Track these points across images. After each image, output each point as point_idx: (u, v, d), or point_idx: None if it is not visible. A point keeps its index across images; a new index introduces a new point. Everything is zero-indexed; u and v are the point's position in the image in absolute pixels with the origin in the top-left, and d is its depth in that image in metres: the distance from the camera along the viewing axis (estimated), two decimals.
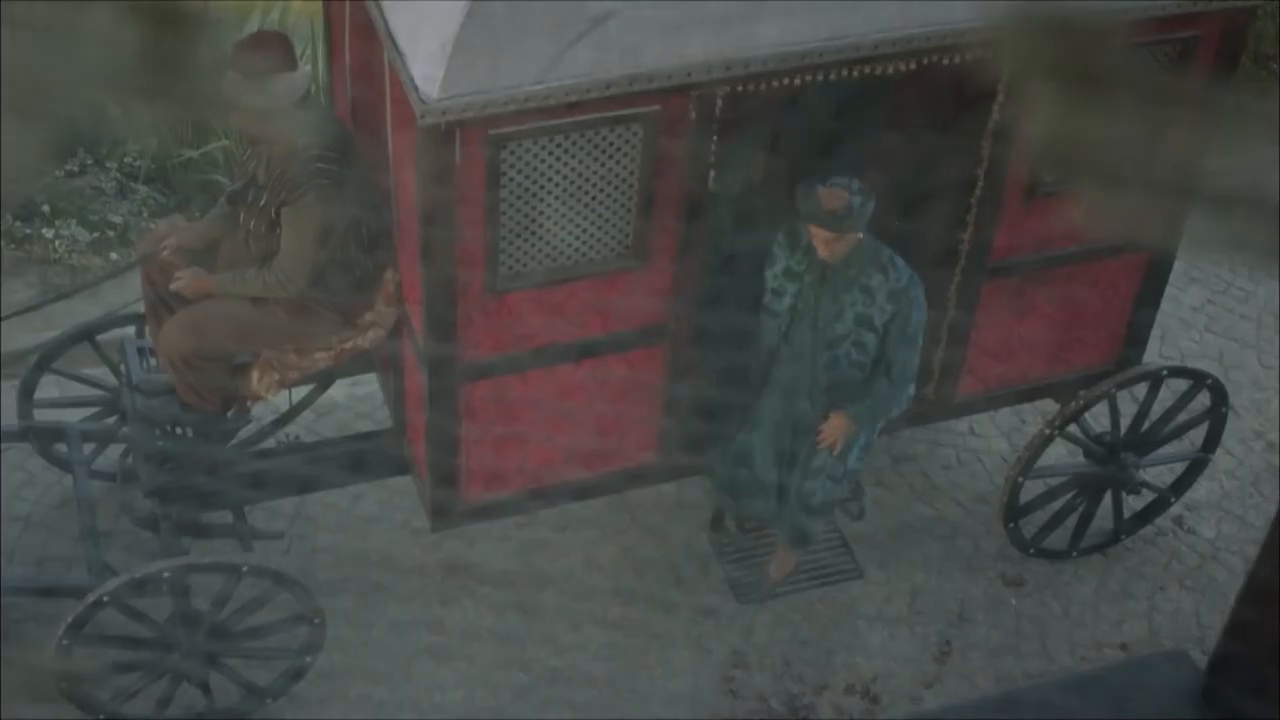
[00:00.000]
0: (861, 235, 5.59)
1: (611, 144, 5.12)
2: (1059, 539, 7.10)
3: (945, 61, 5.23)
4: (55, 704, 6.08)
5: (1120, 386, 6.65)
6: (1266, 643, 5.16)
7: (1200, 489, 7.36)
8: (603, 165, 5.17)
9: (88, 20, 1.57)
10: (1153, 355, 7.38)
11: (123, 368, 6.37)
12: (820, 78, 5.17)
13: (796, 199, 5.53)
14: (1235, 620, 5.71)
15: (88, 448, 6.64)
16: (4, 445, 6.90)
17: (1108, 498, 7.04)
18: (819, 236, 5.54)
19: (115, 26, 1.57)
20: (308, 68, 5.96)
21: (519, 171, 5.07)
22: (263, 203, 5.64)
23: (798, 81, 5.15)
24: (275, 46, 5.43)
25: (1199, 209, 1.61)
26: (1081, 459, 7.09)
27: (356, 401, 7.41)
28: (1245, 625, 5.41)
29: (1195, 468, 7.18)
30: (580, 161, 5.13)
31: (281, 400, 6.13)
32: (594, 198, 5.23)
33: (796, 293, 5.74)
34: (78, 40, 1.57)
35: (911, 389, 5.93)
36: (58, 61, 1.58)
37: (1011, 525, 6.95)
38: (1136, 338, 6.58)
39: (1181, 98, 1.56)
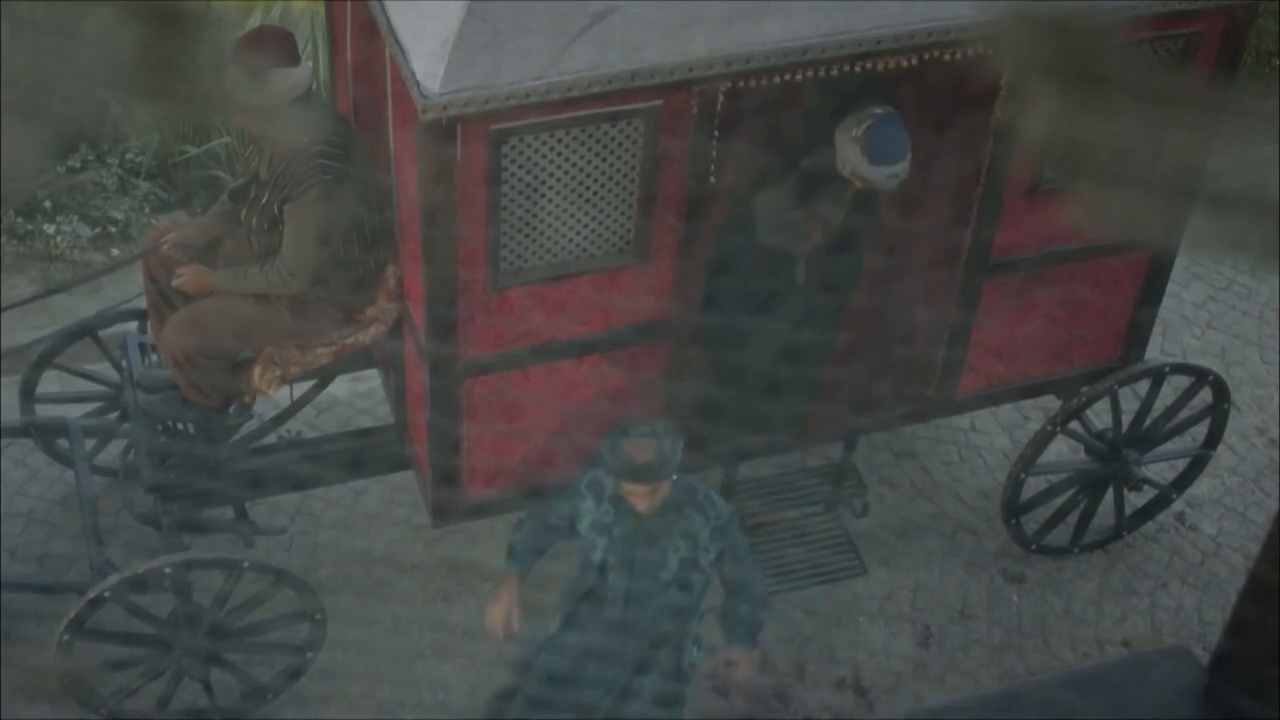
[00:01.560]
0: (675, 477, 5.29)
1: (613, 140, 5.11)
2: (1060, 536, 7.10)
3: (947, 57, 5.22)
4: (56, 703, 6.08)
5: (1122, 383, 6.65)
6: (1267, 642, 5.15)
7: (1202, 485, 7.36)
8: (604, 161, 5.16)
9: (88, 20, 1.57)
10: (1154, 352, 7.38)
11: (124, 363, 6.38)
12: (822, 74, 5.16)
13: (602, 453, 5.25)
14: (1236, 619, 5.70)
15: (89, 443, 6.65)
16: (5, 441, 6.91)
17: (1109, 494, 7.04)
18: (636, 493, 5.23)
19: (115, 26, 1.57)
20: (310, 63, 5.95)
21: (520, 167, 5.06)
22: (265, 199, 5.64)
23: (799, 77, 5.14)
24: (277, 42, 5.42)
25: (1200, 209, 1.61)
26: (1083, 455, 7.09)
27: (358, 398, 7.41)
28: (1246, 624, 5.40)
29: (1197, 464, 7.18)
30: (581, 157, 5.13)
31: (283, 396, 6.13)
32: (595, 194, 5.23)
33: (607, 547, 5.39)
34: (78, 40, 1.57)
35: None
36: (59, 61, 1.58)
37: (1013, 522, 6.94)
38: (1138, 334, 6.57)
39: (1181, 97, 1.56)
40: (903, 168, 5.54)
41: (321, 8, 6.67)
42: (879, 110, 5.56)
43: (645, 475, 5.17)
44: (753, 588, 5.55)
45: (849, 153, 5.55)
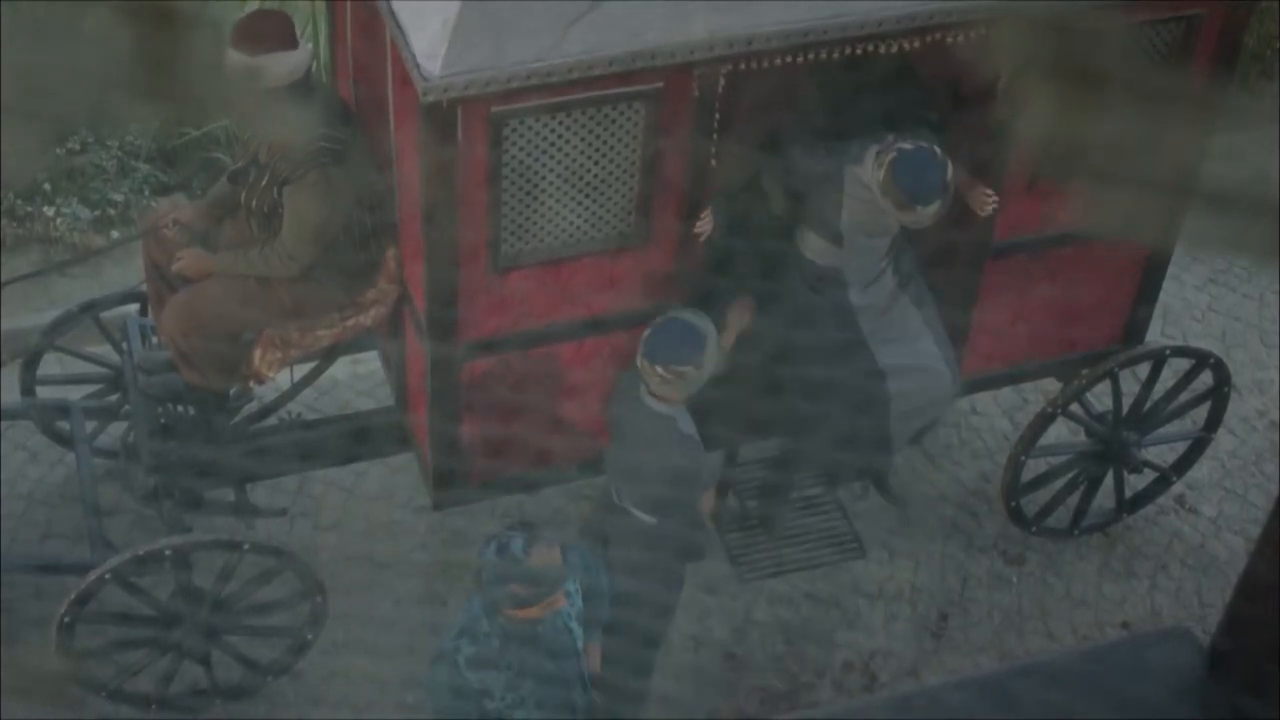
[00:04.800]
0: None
1: (614, 122, 5.11)
2: (1060, 518, 7.11)
3: (949, 39, 5.21)
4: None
5: (1123, 365, 6.65)
6: (1267, 638, 5.14)
7: (1202, 468, 7.36)
8: (605, 144, 5.16)
9: (87, 20, 1.56)
10: (1155, 335, 7.37)
11: (125, 346, 6.38)
12: (824, 55, 5.15)
13: (489, 589, 4.69)
14: (1232, 616, 5.69)
15: (90, 425, 6.65)
16: (6, 423, 6.91)
17: (1109, 477, 7.04)
18: (546, 603, 4.72)
19: (113, 27, 1.56)
20: (309, 46, 5.94)
21: (521, 150, 5.06)
22: (264, 182, 5.64)
23: (801, 60, 5.13)
24: (274, 25, 5.41)
25: (1198, 207, 1.60)
26: (1083, 438, 7.09)
27: (358, 380, 7.41)
28: (1243, 621, 5.40)
29: (1197, 447, 7.18)
30: (582, 140, 5.12)
31: (283, 378, 6.13)
32: (596, 176, 5.23)
33: (507, 683, 4.84)
34: (77, 40, 1.57)
35: None
36: (58, 61, 1.57)
37: (1013, 504, 6.95)
38: (1139, 317, 6.57)
39: (1176, 93, 1.55)
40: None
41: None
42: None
43: (557, 579, 4.68)
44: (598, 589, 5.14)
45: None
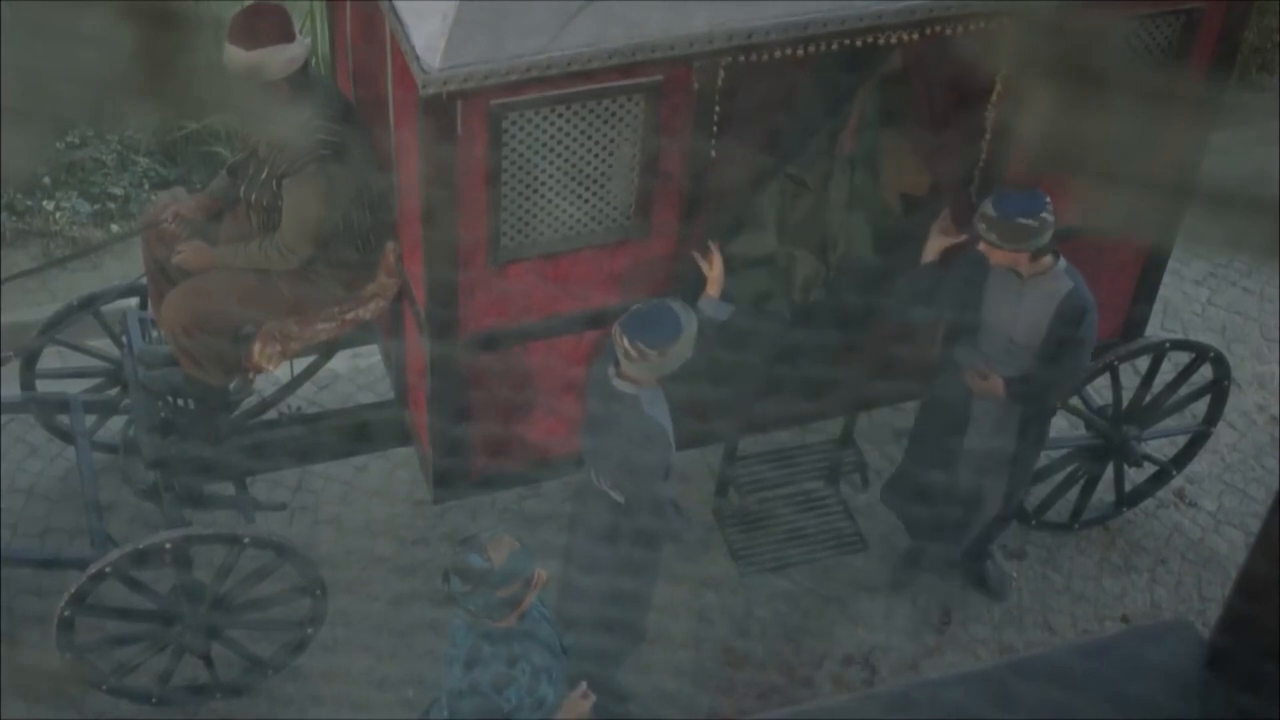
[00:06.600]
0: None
1: (614, 115, 5.10)
2: (1060, 512, 7.11)
3: (949, 32, 5.21)
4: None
5: (1123, 359, 6.64)
6: (1266, 634, 5.14)
7: (1202, 462, 7.36)
8: (605, 136, 5.15)
9: (85, 21, 1.56)
10: (1155, 328, 7.37)
11: (125, 339, 6.38)
12: (823, 49, 5.15)
13: (485, 610, 4.63)
14: (1231, 612, 5.69)
15: (90, 419, 6.65)
16: (7, 417, 6.91)
17: (1109, 470, 7.04)
18: (535, 584, 4.75)
19: (110, 28, 1.56)
20: (307, 39, 5.93)
21: (521, 143, 5.06)
22: (264, 175, 5.63)
23: (800, 53, 5.13)
24: (273, 18, 5.40)
25: (1198, 203, 1.59)
26: (1083, 431, 7.08)
27: (358, 373, 7.41)
28: (1242, 617, 5.39)
29: (1197, 441, 7.18)
30: (582, 133, 5.12)
31: (283, 372, 6.13)
32: (596, 169, 5.22)
33: (528, 690, 4.79)
34: (76, 40, 1.56)
35: None
36: (57, 61, 1.57)
37: None
38: (1139, 311, 6.57)
39: (1177, 90, 1.55)
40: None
41: None
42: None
43: (528, 559, 4.68)
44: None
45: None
